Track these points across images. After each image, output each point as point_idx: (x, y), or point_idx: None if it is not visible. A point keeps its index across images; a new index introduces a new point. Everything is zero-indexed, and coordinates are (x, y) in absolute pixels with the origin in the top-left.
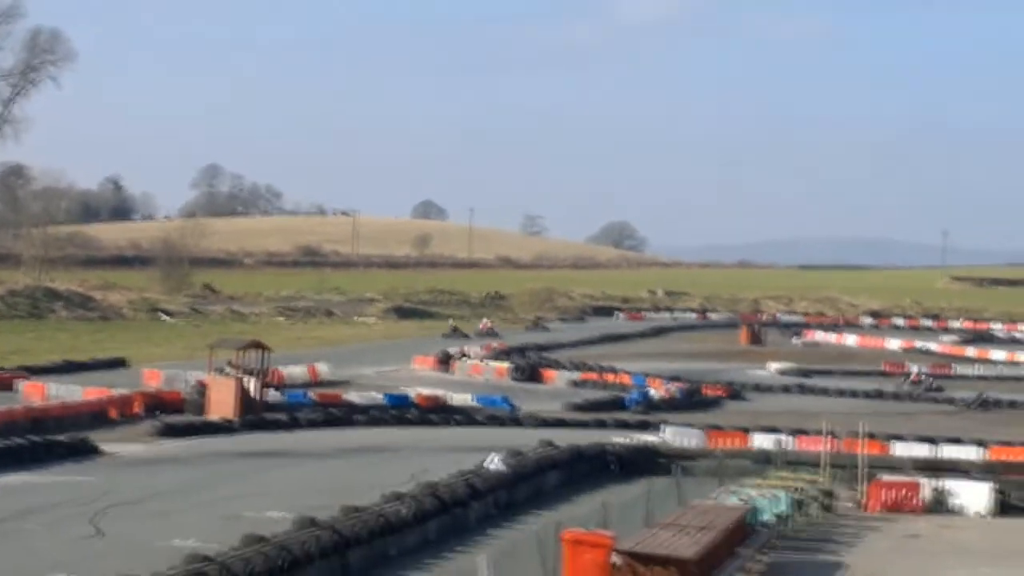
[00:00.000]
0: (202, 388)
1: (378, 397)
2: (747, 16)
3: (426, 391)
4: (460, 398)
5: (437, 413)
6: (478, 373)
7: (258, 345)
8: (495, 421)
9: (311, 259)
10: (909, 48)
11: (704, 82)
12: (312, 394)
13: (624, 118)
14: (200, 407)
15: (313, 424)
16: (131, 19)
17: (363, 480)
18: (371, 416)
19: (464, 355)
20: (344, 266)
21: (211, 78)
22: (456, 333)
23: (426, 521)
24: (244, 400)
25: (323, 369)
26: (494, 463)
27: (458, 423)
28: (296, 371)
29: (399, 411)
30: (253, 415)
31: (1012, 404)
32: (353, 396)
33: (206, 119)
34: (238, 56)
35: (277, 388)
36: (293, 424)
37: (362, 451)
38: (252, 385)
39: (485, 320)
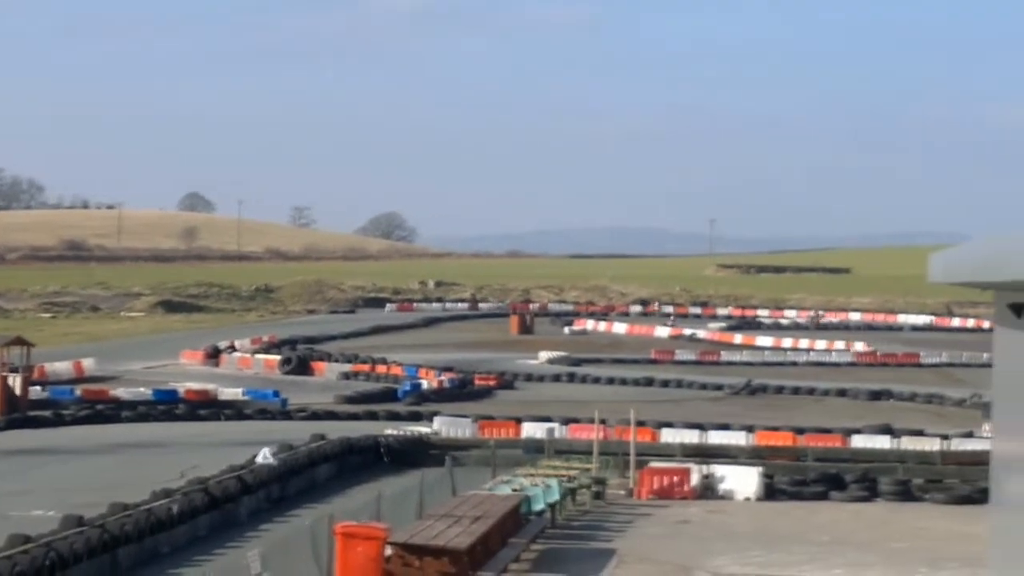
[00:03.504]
0: None
1: (146, 392)
2: (510, 4)
3: (195, 386)
4: (230, 392)
5: (206, 408)
6: (247, 366)
7: (20, 341)
8: (265, 415)
9: (76, 253)
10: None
11: (466, 71)
12: (78, 390)
13: (391, 109)
14: None
15: (79, 420)
16: None
17: (132, 477)
18: (139, 412)
19: (233, 348)
20: (110, 260)
21: None
22: None
23: (196, 517)
24: (7, 397)
25: (89, 365)
26: (265, 457)
27: (228, 417)
28: (61, 367)
29: (168, 406)
30: (18, 412)
31: (779, 390)
32: (121, 392)
33: None
34: None
35: (42, 385)
36: (59, 421)
37: (130, 447)
38: (15, 382)
39: None
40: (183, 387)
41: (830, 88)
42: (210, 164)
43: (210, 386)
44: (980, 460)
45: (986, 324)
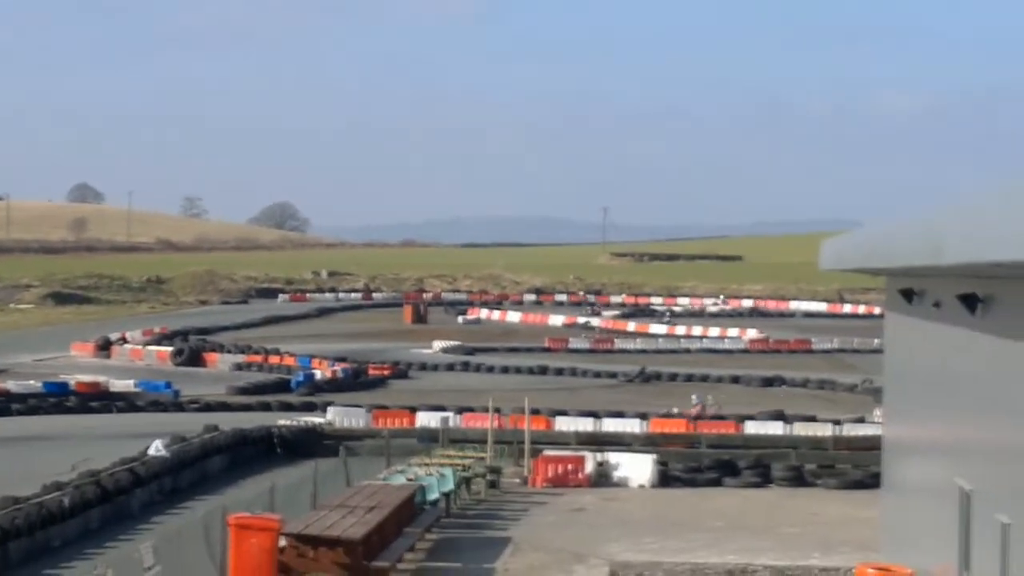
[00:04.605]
0: None
1: (36, 385)
2: None
3: (86, 378)
4: (121, 384)
5: (98, 400)
6: (139, 358)
7: None
8: (157, 406)
9: None
10: (566, 25)
11: (360, 62)
12: None
13: (283, 99)
14: None
15: None
16: None
17: (22, 470)
18: (29, 405)
19: (124, 340)
20: None
21: None
22: None
23: (88, 510)
24: None
25: None
26: (157, 449)
27: (120, 409)
28: None
29: (59, 399)
30: None
31: (673, 377)
32: (10, 384)
33: None
34: None
35: None
36: None
37: (20, 440)
38: None
39: None
40: (74, 379)
41: (722, 77)
42: (100, 155)
43: (101, 378)
44: (872, 445)
45: (877, 310)
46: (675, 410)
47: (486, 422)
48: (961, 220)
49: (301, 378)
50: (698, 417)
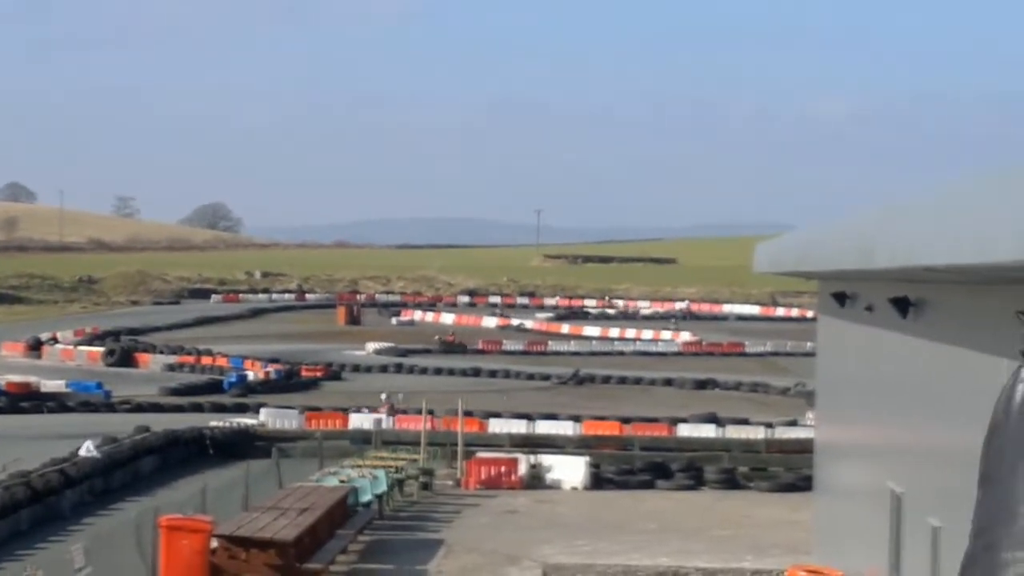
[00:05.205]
0: None
1: None
2: None
3: (16, 378)
4: (52, 384)
5: (28, 400)
6: (70, 358)
7: None
8: (89, 407)
9: None
10: (498, 27)
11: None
12: None
13: (214, 99)
14: None
15: None
16: None
17: None
18: None
19: (55, 340)
20: None
21: None
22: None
23: (18, 511)
24: None
25: None
26: (88, 450)
27: (50, 410)
28: None
29: None
30: None
31: (606, 379)
32: None
33: None
34: None
35: None
36: None
37: None
38: None
39: None
40: (4, 379)
41: (653, 81)
42: (31, 153)
43: (32, 378)
44: (804, 448)
45: (810, 313)
46: (365, 409)
47: (419, 424)
48: (892, 224)
49: (234, 379)
50: (391, 414)
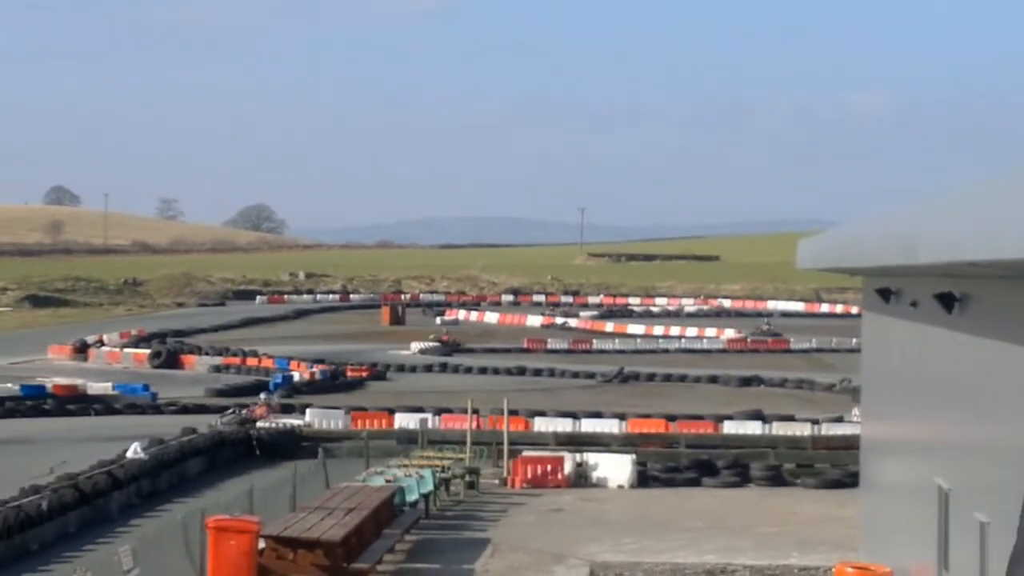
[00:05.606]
0: None
1: (14, 388)
2: None
3: (63, 381)
4: (99, 387)
5: (75, 403)
6: (116, 361)
7: None
8: (135, 409)
9: None
10: (540, 23)
11: (333, 63)
12: None
13: (258, 100)
14: None
15: None
16: None
17: (0, 474)
18: (7, 408)
19: (101, 343)
20: None
21: None
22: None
23: (66, 513)
24: None
25: None
26: (135, 452)
27: (97, 412)
28: None
29: (36, 402)
30: None
31: (650, 377)
32: None
33: None
34: None
35: None
36: None
37: None
38: None
39: None
40: (51, 382)
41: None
42: (76, 157)
43: (79, 381)
44: (850, 444)
45: (854, 309)
46: (244, 412)
47: (464, 423)
48: (934, 220)
49: (279, 380)
50: (269, 412)
